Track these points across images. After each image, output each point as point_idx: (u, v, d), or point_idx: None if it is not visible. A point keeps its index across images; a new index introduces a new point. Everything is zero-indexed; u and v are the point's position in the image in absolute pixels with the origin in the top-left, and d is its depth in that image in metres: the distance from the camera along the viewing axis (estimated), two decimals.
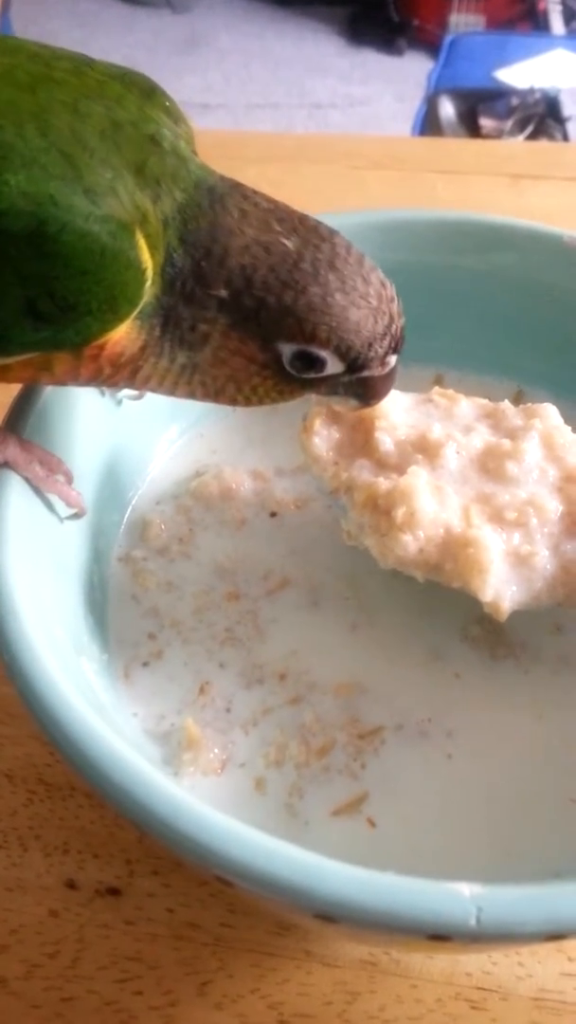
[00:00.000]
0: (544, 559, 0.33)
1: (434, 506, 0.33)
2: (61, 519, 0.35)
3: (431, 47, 2.26)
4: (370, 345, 0.30)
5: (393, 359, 0.32)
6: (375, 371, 0.31)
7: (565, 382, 0.42)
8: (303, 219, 0.30)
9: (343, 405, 0.34)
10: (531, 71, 1.79)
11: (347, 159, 0.74)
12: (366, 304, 0.30)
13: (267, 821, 0.31)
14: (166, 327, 0.29)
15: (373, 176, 0.72)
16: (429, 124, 1.68)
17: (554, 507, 0.34)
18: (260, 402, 0.32)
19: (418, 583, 0.33)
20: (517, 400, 0.44)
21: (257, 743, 0.33)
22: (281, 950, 0.34)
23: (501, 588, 0.32)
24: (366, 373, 0.31)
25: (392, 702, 0.34)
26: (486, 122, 1.63)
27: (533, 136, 1.61)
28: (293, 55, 2.67)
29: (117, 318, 0.28)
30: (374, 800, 0.32)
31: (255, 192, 0.30)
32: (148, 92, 0.31)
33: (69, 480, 0.34)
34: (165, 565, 0.39)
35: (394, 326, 0.31)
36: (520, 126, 1.61)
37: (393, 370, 0.32)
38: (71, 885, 0.35)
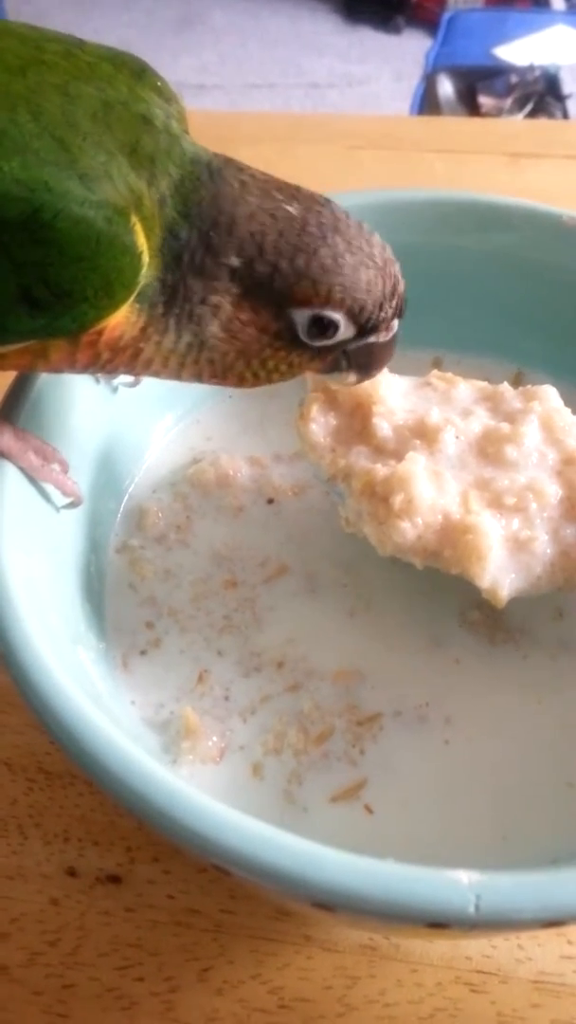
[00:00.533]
0: (543, 544, 0.32)
1: (432, 492, 0.33)
2: (57, 508, 0.34)
3: (429, 24, 2.24)
4: (380, 306, 0.30)
5: (396, 324, 0.32)
6: (380, 336, 0.32)
7: (565, 363, 0.42)
8: (298, 188, 0.30)
9: (341, 382, 0.34)
10: (531, 48, 1.76)
11: (343, 139, 0.73)
12: (374, 264, 0.30)
13: (266, 808, 0.31)
14: (170, 305, 0.29)
15: (370, 156, 0.72)
16: (427, 103, 1.65)
17: (554, 491, 0.33)
18: (268, 378, 0.32)
19: (417, 568, 0.33)
20: (516, 382, 0.43)
21: (256, 730, 0.33)
22: (281, 935, 0.34)
23: (499, 575, 0.32)
24: (372, 338, 0.31)
25: (390, 688, 0.34)
26: (485, 100, 1.61)
27: (532, 114, 1.59)
28: (289, 34, 2.64)
29: (113, 304, 0.27)
30: (373, 786, 0.32)
31: (247, 166, 0.30)
32: (138, 72, 0.30)
33: (65, 469, 0.34)
34: (162, 553, 0.39)
35: (399, 286, 0.31)
36: (519, 104, 1.59)
37: (394, 337, 0.32)
38: (71, 873, 0.35)
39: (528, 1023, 0.32)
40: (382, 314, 0.31)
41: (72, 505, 0.35)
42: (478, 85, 1.65)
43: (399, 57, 2.48)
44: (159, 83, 0.31)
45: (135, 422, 0.41)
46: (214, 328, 0.30)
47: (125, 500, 0.40)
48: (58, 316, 0.27)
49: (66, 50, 0.28)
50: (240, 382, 0.32)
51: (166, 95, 0.31)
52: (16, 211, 0.25)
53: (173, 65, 2.45)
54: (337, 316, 0.30)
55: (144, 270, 0.28)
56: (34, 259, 0.26)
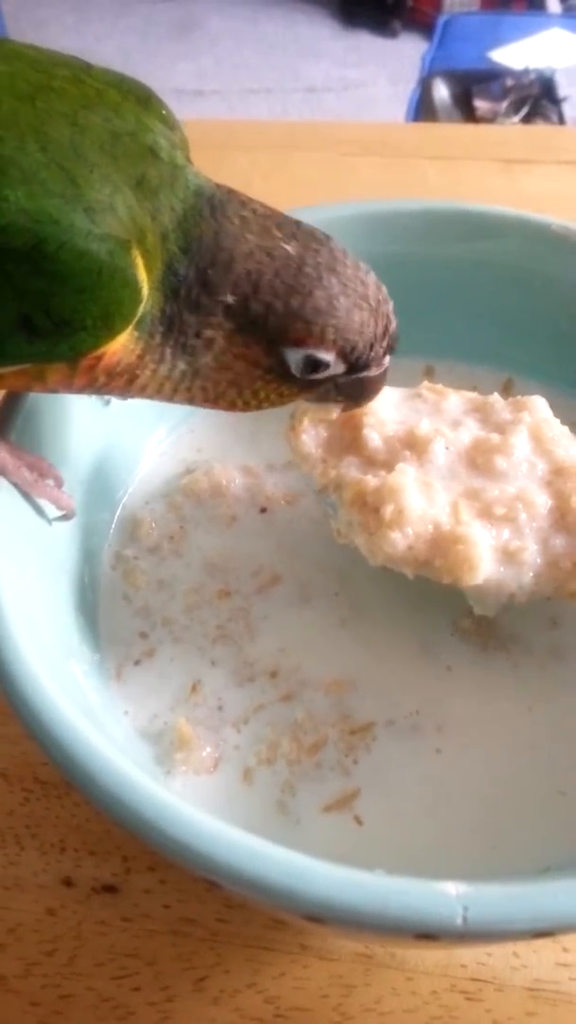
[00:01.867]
0: (533, 554, 0.33)
1: (422, 503, 0.33)
2: (50, 521, 0.35)
3: (425, 28, 2.24)
4: (371, 346, 0.31)
5: (387, 360, 0.33)
6: (371, 371, 0.32)
7: (554, 370, 0.42)
8: (299, 224, 0.31)
9: (327, 411, 0.35)
10: (526, 51, 1.76)
11: (338, 146, 0.74)
12: (367, 305, 0.31)
13: (259, 819, 0.31)
14: (167, 335, 0.30)
15: (364, 163, 0.72)
16: (424, 107, 1.66)
17: (543, 501, 0.33)
18: (259, 406, 0.33)
19: (408, 578, 0.33)
20: (506, 389, 0.44)
21: (249, 741, 0.33)
22: (277, 944, 0.34)
23: (489, 584, 0.32)
24: (363, 374, 0.32)
25: (383, 697, 0.34)
26: (480, 104, 1.61)
27: (528, 117, 1.59)
28: (286, 39, 2.64)
29: (111, 334, 0.28)
30: (365, 796, 0.32)
31: (250, 199, 0.31)
32: (144, 100, 0.31)
33: (59, 484, 0.34)
34: (156, 563, 0.39)
35: (391, 326, 0.32)
36: (515, 107, 1.59)
37: (385, 370, 0.33)
38: (68, 883, 0.35)
39: None
40: (372, 353, 0.31)
41: (65, 518, 0.35)
42: (474, 89, 1.65)
43: (395, 61, 2.49)
44: (164, 111, 0.31)
45: (128, 434, 0.41)
46: (207, 360, 0.30)
47: (119, 511, 0.40)
48: (56, 343, 0.27)
49: (74, 76, 0.29)
50: (231, 407, 0.32)
51: (170, 123, 0.31)
52: (20, 241, 0.25)
53: (171, 70, 2.46)
54: (328, 356, 0.31)
55: (143, 302, 0.28)
56: (36, 288, 0.26)
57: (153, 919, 0.34)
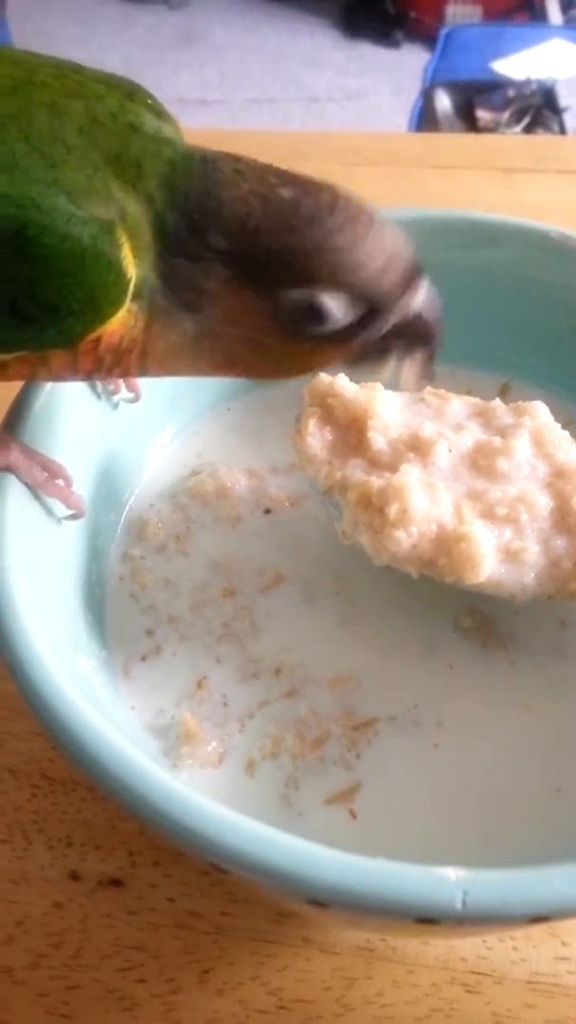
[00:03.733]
0: (534, 554, 0.33)
1: (426, 503, 0.34)
2: (59, 520, 0.35)
3: (428, 39, 2.26)
4: (390, 282, 0.29)
5: (422, 290, 0.30)
6: (406, 310, 0.29)
7: (551, 375, 0.43)
8: (301, 175, 0.29)
9: (386, 374, 0.32)
10: (528, 62, 1.78)
11: (340, 156, 0.75)
12: (372, 241, 0.28)
13: (262, 811, 0.32)
14: (169, 298, 0.29)
15: (367, 173, 0.73)
16: (426, 117, 1.67)
17: (544, 503, 0.34)
18: (286, 371, 0.31)
19: (411, 577, 0.34)
20: (504, 392, 0.44)
21: (254, 735, 0.34)
22: (280, 937, 0.34)
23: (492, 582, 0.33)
24: (392, 318, 0.29)
25: (385, 693, 0.35)
26: (482, 114, 1.62)
27: (530, 127, 1.61)
28: (289, 49, 2.66)
29: (99, 319, 0.28)
30: (367, 789, 0.32)
31: (247, 157, 0.29)
32: (129, 92, 0.31)
33: (68, 484, 0.35)
34: (162, 563, 0.39)
35: (403, 259, 0.29)
36: (516, 117, 1.61)
37: (430, 303, 0.30)
38: (74, 877, 0.36)
39: (522, 1023, 0.32)
40: (383, 287, 0.28)
41: (74, 517, 0.36)
42: (476, 99, 1.67)
43: (398, 71, 2.51)
44: (150, 100, 0.31)
45: (135, 436, 0.42)
46: (215, 315, 0.29)
47: (126, 511, 0.41)
48: (44, 328, 0.28)
49: (59, 72, 0.29)
50: (259, 373, 0.31)
51: (157, 110, 0.31)
52: (3, 227, 0.26)
53: (175, 80, 2.48)
54: (331, 301, 0.28)
55: (132, 281, 0.28)
56: (20, 273, 0.27)
57: (158, 912, 0.35)
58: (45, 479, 0.34)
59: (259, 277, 0.28)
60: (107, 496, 0.40)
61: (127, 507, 0.41)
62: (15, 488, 0.33)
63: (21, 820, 0.37)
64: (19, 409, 0.35)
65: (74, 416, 0.37)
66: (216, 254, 0.28)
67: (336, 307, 0.29)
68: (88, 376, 0.31)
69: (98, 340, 0.29)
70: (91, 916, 0.35)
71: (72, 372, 0.31)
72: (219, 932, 0.35)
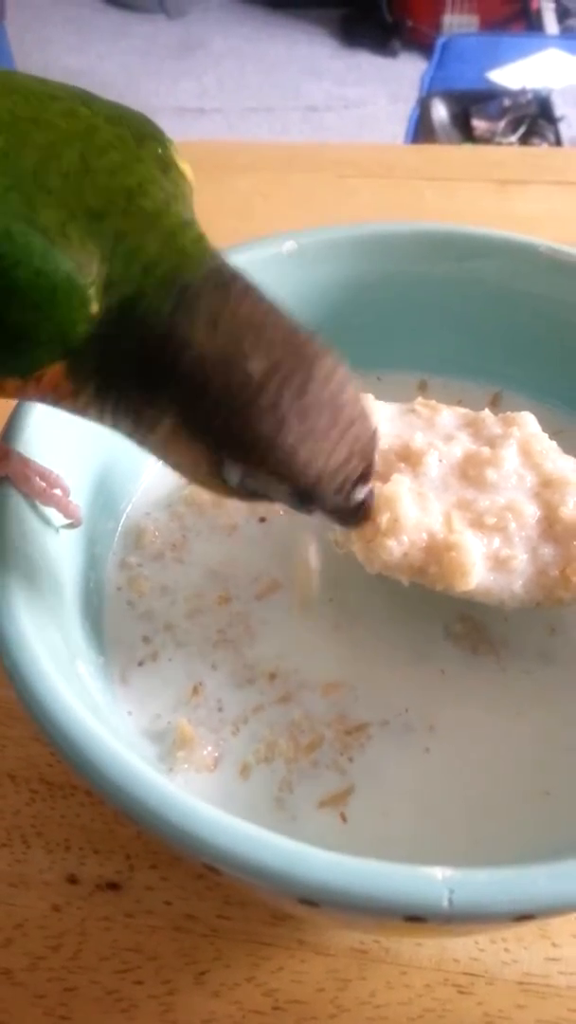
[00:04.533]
0: (522, 562, 0.34)
1: (417, 512, 0.34)
2: (57, 529, 0.36)
3: (425, 48, 2.27)
4: (333, 483, 0.27)
5: (361, 492, 0.29)
6: (339, 504, 0.29)
7: (541, 386, 0.44)
8: (291, 335, 0.27)
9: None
10: (524, 71, 1.79)
11: (336, 167, 0.76)
12: (331, 440, 0.27)
13: (256, 814, 0.32)
14: (102, 393, 0.28)
15: (362, 184, 0.74)
16: (422, 126, 1.68)
17: (532, 512, 0.35)
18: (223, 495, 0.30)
19: (402, 585, 0.35)
20: (494, 402, 0.45)
21: (248, 740, 0.35)
22: (275, 939, 0.35)
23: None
24: (322, 508, 0.29)
25: (378, 699, 0.35)
26: (479, 124, 1.64)
27: (525, 137, 1.62)
28: (287, 58, 2.68)
29: (50, 356, 0.27)
30: (359, 793, 0.33)
31: (243, 292, 0.27)
32: (140, 135, 0.29)
33: (66, 493, 0.36)
34: (159, 570, 0.40)
35: (351, 465, 0.27)
36: (512, 127, 1.62)
37: (362, 504, 0.29)
38: (72, 880, 0.36)
39: (514, 1023, 0.33)
40: (322, 490, 0.27)
41: (72, 526, 0.36)
42: (472, 108, 1.68)
43: (395, 80, 2.52)
44: (160, 150, 0.30)
45: (131, 447, 0.42)
46: (155, 437, 0.28)
47: (123, 520, 0.42)
48: (9, 359, 0.27)
49: (70, 109, 0.28)
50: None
51: (165, 162, 0.30)
52: None
53: (173, 89, 2.50)
54: (271, 484, 0.27)
55: (88, 330, 0.26)
56: None
57: (155, 915, 0.36)
58: (43, 489, 0.34)
59: (204, 436, 0.27)
60: (104, 505, 0.40)
61: (124, 516, 0.42)
62: (13, 498, 0.34)
63: (20, 824, 0.38)
64: (17, 420, 0.36)
65: (71, 426, 0.38)
66: (167, 397, 0.27)
67: (277, 491, 0.28)
68: (37, 401, 0.30)
69: (40, 378, 0.28)
70: (89, 919, 0.36)
71: (22, 396, 0.30)
72: (215, 934, 0.35)
